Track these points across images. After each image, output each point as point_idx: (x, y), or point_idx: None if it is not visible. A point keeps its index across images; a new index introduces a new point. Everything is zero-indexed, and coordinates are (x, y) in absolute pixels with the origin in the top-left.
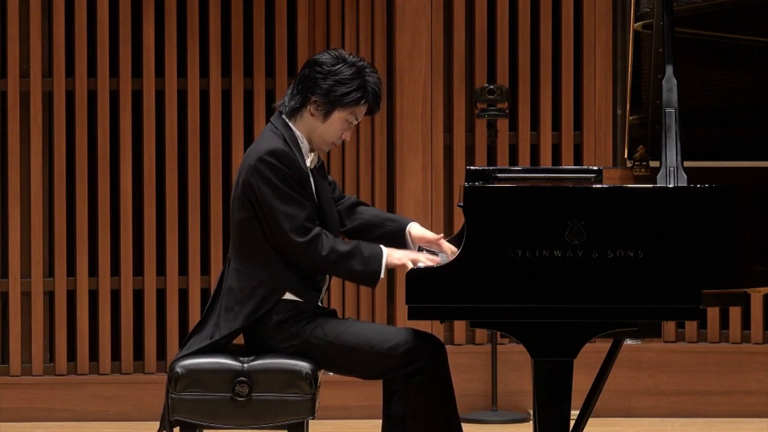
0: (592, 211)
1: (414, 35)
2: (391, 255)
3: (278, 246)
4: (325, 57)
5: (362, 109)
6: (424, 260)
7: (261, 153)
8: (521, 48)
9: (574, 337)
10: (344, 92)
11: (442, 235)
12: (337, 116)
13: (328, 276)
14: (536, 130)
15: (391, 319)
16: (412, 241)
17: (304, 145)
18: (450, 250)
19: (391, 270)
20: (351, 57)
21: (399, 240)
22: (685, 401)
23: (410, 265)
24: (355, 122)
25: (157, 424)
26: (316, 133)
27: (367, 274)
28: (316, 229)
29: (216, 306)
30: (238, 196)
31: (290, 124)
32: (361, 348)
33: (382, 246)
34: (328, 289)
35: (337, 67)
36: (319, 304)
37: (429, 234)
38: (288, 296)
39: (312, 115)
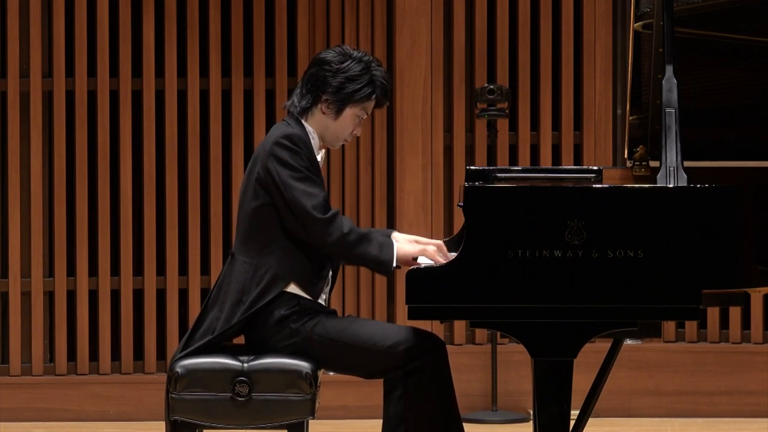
0: (592, 211)
1: (414, 35)
2: (400, 247)
3: (299, 224)
4: (331, 55)
5: (372, 104)
6: (432, 252)
7: (277, 137)
8: (521, 48)
9: (574, 337)
10: (355, 89)
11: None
12: (349, 113)
13: (331, 274)
14: (536, 130)
15: (391, 319)
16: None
17: (315, 141)
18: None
19: (391, 274)
20: (356, 52)
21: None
22: (685, 401)
23: (427, 249)
24: (365, 116)
25: (157, 424)
26: (328, 131)
27: (381, 259)
28: (336, 209)
29: (218, 301)
30: (252, 185)
31: (302, 121)
32: (362, 345)
33: (393, 235)
34: (331, 290)
35: (345, 64)
36: (323, 303)
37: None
38: (292, 289)
39: (324, 113)
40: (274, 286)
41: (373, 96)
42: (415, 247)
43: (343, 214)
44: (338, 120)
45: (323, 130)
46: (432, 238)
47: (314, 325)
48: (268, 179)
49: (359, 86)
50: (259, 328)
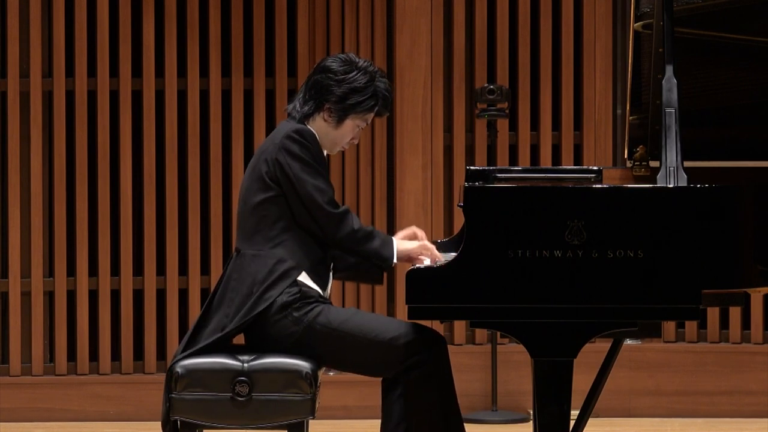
0: (592, 211)
1: (414, 35)
2: (401, 242)
3: (310, 218)
4: (336, 63)
5: (372, 114)
6: (430, 253)
7: (288, 132)
8: (521, 48)
9: (574, 337)
10: (358, 100)
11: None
12: (350, 123)
13: (331, 268)
14: (536, 130)
15: None
16: None
17: None
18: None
19: (391, 270)
20: (361, 62)
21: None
22: (685, 401)
23: (423, 252)
24: (365, 126)
25: (157, 424)
26: (328, 138)
27: (384, 255)
28: (346, 206)
29: (225, 298)
30: (259, 179)
31: (305, 123)
32: (364, 337)
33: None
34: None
35: (351, 75)
36: (327, 296)
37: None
38: (303, 278)
39: (325, 120)
40: (287, 276)
41: (376, 108)
42: (413, 243)
43: None
44: (339, 128)
45: (323, 137)
46: (432, 238)
47: (316, 314)
48: (279, 172)
49: (363, 98)
50: (259, 316)
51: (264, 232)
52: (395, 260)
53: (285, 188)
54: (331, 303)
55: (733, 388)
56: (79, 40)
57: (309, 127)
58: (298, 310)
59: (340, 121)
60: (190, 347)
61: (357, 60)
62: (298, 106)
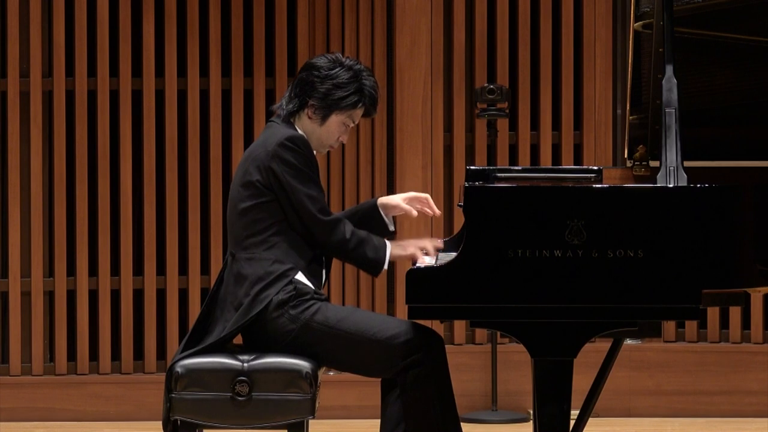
0: (592, 211)
1: (414, 35)
2: (395, 247)
3: (303, 225)
4: (322, 61)
5: (359, 113)
6: (430, 248)
7: (281, 139)
8: (521, 48)
9: (574, 337)
10: (341, 96)
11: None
12: (334, 120)
13: (323, 265)
14: (536, 130)
15: None
16: (384, 214)
17: None
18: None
19: (391, 270)
20: (348, 60)
21: (375, 217)
22: (685, 401)
23: (418, 253)
24: (352, 125)
25: (157, 424)
26: (314, 136)
27: (375, 261)
28: (338, 213)
29: (225, 303)
30: (251, 185)
31: (292, 123)
32: (362, 335)
33: (386, 240)
34: (328, 280)
35: (334, 71)
36: (322, 292)
37: (393, 200)
38: (300, 277)
39: (310, 118)
40: (284, 276)
41: (360, 105)
42: (408, 249)
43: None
44: (324, 126)
45: (309, 134)
46: (432, 238)
47: (314, 312)
48: (273, 179)
49: (346, 94)
50: (257, 316)
51: (256, 236)
52: (386, 267)
53: (278, 195)
54: (328, 300)
55: (733, 388)
56: (79, 40)
57: (296, 126)
58: (294, 308)
59: (324, 118)
60: (190, 348)
61: (344, 59)
62: (284, 103)
